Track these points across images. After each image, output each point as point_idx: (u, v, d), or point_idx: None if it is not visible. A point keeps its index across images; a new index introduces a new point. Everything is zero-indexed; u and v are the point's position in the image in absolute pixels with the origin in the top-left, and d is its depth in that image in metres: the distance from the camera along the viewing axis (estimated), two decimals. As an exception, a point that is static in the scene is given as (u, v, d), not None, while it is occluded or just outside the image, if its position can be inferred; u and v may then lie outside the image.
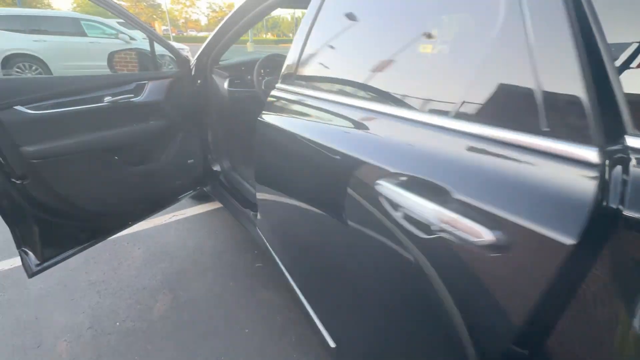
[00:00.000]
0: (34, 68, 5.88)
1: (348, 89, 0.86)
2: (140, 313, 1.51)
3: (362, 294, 0.77)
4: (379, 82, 0.77)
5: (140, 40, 6.92)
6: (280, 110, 1.05)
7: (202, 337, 1.40)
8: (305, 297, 1.05)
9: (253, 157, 1.21)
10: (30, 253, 1.26)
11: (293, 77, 1.03)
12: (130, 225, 1.61)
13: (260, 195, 1.29)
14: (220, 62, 1.90)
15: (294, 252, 1.13)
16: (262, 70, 1.83)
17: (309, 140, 0.85)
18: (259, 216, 1.41)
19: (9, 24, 5.69)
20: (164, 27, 38.94)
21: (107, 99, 1.34)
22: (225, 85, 1.82)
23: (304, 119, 0.94)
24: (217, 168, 2.04)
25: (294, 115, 0.99)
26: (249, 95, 1.90)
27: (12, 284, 1.65)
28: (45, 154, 1.15)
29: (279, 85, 1.11)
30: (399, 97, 0.70)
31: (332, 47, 0.92)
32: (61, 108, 1.20)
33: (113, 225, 1.52)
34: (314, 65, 0.99)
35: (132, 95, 1.44)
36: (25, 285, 1.64)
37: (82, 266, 1.78)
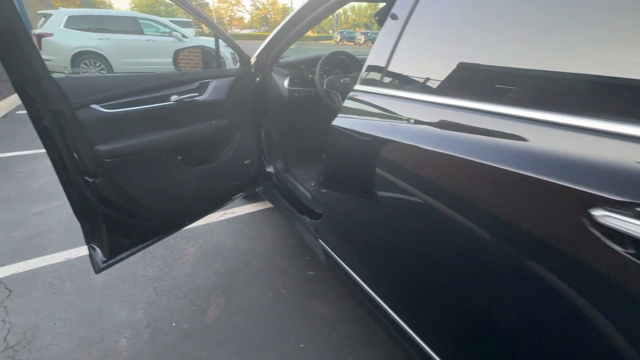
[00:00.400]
0: (97, 64, 6.34)
1: (473, 88, 0.72)
2: (195, 315, 1.49)
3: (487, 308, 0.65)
4: (521, 79, 0.63)
5: (192, 38, 7.19)
6: (363, 114, 0.94)
7: (256, 348, 1.34)
8: (396, 313, 0.93)
9: (323, 162, 1.11)
10: (97, 249, 1.28)
11: (381, 78, 0.91)
12: (187, 225, 1.60)
13: (328, 203, 1.20)
14: (279, 60, 1.83)
15: (378, 265, 1.01)
16: (324, 69, 1.73)
17: (418, 148, 0.73)
18: (321, 224, 1.32)
19: (79, 23, 6.18)
20: (210, 25, 40.66)
21: (174, 97, 1.32)
22: (286, 84, 1.75)
23: (403, 123, 0.81)
24: (270, 169, 1.99)
25: (386, 120, 0.87)
26: (309, 95, 1.82)
27: (79, 273, 1.72)
28: (116, 153, 1.14)
29: (359, 87, 1.00)
30: (559, 97, 0.55)
31: (440, 42, 0.79)
32: (131, 107, 1.19)
33: (173, 225, 1.52)
34: (413, 64, 0.86)
35: (197, 94, 1.41)
36: (90, 276, 1.70)
37: (140, 260, 1.81)
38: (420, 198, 0.77)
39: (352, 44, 32.03)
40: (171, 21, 7.53)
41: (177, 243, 1.97)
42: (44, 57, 4.80)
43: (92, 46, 6.21)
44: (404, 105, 0.82)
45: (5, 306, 1.52)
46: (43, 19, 6.10)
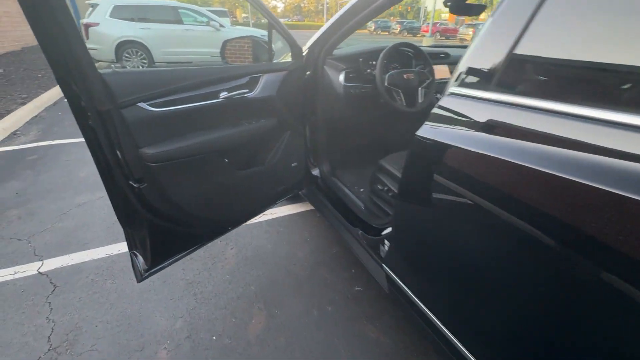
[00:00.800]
0: (139, 54, 6.48)
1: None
2: (236, 329, 1.39)
3: None
4: None
5: (229, 28, 7.15)
6: (464, 124, 0.75)
7: (303, 374, 1.22)
8: None
9: (401, 179, 0.94)
10: (140, 257, 1.20)
11: (497, 80, 0.71)
12: (229, 231, 1.50)
13: (403, 227, 1.02)
14: (333, 53, 1.65)
15: (466, 308, 0.84)
16: (385, 63, 1.53)
17: (560, 179, 0.54)
18: (392, 250, 1.14)
19: (123, 13, 6.31)
20: (244, 15, 40.90)
21: (223, 94, 1.18)
22: (340, 79, 1.57)
23: (535, 143, 0.61)
24: (315, 172, 1.84)
25: (505, 136, 0.67)
26: (366, 92, 1.63)
27: (119, 272, 1.68)
28: (163, 157, 1.03)
29: (457, 90, 0.80)
30: None
31: (603, 31, 0.57)
32: (179, 105, 1.07)
33: (217, 231, 1.41)
34: (554, 61, 0.64)
35: (247, 90, 1.27)
36: (130, 276, 1.65)
37: (179, 262, 1.73)
38: (545, 241, 0.58)
39: (387, 33, 30.49)
40: (209, 10, 7.54)
41: (216, 245, 1.89)
42: (89, 46, 4.90)
43: (134, 36, 6.34)
44: (537, 118, 0.62)
45: (49, 302, 1.50)
46: (90, 8, 6.30)
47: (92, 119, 0.90)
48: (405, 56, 1.69)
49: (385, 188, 1.42)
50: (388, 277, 1.14)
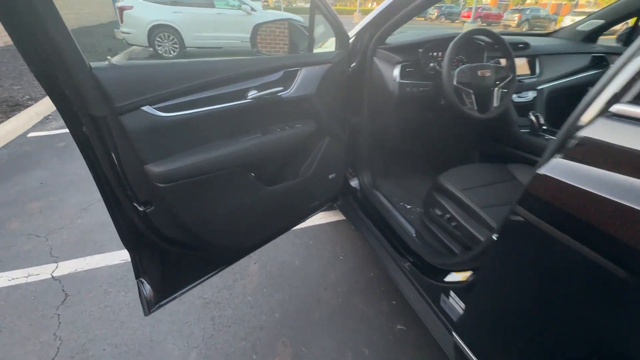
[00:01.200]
0: (171, 38, 6.39)
1: None
2: (257, 370, 1.19)
3: None
4: None
5: (260, 11, 6.88)
6: None
7: None
8: None
9: (512, 233, 0.66)
10: (148, 286, 1.00)
11: None
12: (252, 252, 1.28)
13: (493, 296, 0.74)
14: (386, 42, 1.35)
15: None
16: (455, 56, 1.21)
17: None
18: (468, 321, 0.86)
19: (156, -4, 6.22)
20: (275, -2, 40.21)
21: (252, 93, 0.94)
22: (395, 74, 1.27)
23: None
24: (354, 183, 1.57)
25: None
26: (427, 92, 1.32)
27: (133, 283, 1.52)
28: (175, 175, 0.81)
29: (628, 109, 0.49)
30: None
31: None
32: (195, 108, 0.84)
33: (237, 255, 1.20)
34: None
35: (281, 87, 1.02)
36: (145, 289, 1.49)
37: (198, 276, 1.57)
38: None
39: (423, 19, 27.37)
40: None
41: (239, 257, 1.69)
42: (123, 30, 4.78)
43: (167, 19, 6.24)
44: None
45: (59, 314, 1.38)
46: (125, -9, 6.26)
47: (86, 126, 0.69)
48: (475, 47, 1.35)
49: (447, 216, 1.13)
50: (458, 347, 0.87)
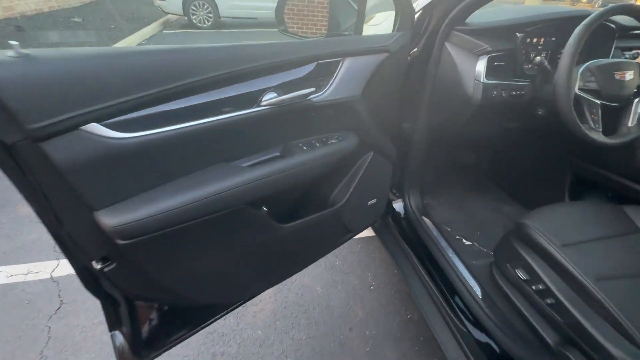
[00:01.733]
0: (205, 7, 6.09)
1: None
2: None
3: None
4: None
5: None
6: None
7: None
8: None
9: None
10: (122, 339, 0.77)
11: None
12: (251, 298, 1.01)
13: None
14: (466, 23, 0.95)
15: None
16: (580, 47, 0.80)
17: None
18: None
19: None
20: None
21: (268, 98, 0.63)
22: (479, 69, 0.89)
23: None
24: (398, 205, 1.24)
25: None
26: (522, 96, 0.92)
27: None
28: (143, 228, 0.54)
29: None
30: None
31: None
32: (175, 122, 0.54)
33: (237, 302, 0.94)
34: None
35: (313, 88, 0.69)
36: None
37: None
38: None
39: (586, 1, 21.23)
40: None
41: (252, 276, 1.45)
42: None
43: (202, -14, 5.93)
44: None
45: (49, 327, 1.23)
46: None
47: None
48: (602, 33, 0.92)
49: (540, 287, 0.78)
50: None
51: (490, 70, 0.88)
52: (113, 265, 0.58)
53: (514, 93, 0.90)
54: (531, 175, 1.35)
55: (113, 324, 0.76)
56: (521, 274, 0.84)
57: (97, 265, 0.57)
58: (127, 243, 0.53)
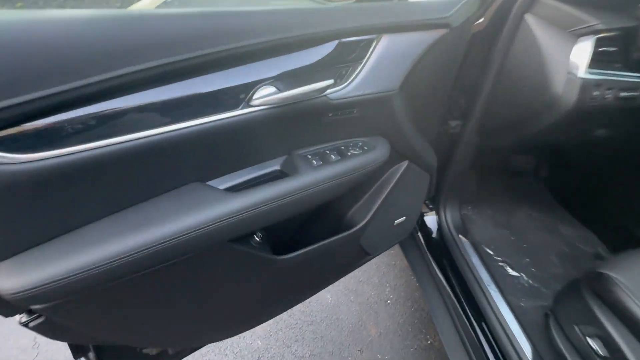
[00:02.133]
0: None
1: None
2: None
3: None
4: None
5: None
6: None
7: None
8: None
9: None
10: None
11: None
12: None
13: None
14: None
15: None
16: None
17: None
18: None
19: None
20: None
21: (264, 95, 0.42)
22: (578, 57, 0.62)
23: None
24: (430, 220, 1.02)
25: None
26: (636, 100, 0.65)
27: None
28: (62, 289, 0.37)
29: None
30: None
31: None
32: (121, 131, 0.35)
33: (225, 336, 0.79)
34: None
35: (331, 81, 0.47)
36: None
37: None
38: None
39: None
40: None
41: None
42: None
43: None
44: None
45: (39, 343, 1.13)
46: None
47: None
48: None
49: None
50: None
51: (599, 60, 0.61)
52: (40, 320, 0.43)
53: (623, 94, 0.62)
54: (614, 195, 1.07)
55: (74, 351, 0.64)
56: (596, 346, 0.62)
57: (23, 319, 0.43)
58: (45, 307, 0.37)
